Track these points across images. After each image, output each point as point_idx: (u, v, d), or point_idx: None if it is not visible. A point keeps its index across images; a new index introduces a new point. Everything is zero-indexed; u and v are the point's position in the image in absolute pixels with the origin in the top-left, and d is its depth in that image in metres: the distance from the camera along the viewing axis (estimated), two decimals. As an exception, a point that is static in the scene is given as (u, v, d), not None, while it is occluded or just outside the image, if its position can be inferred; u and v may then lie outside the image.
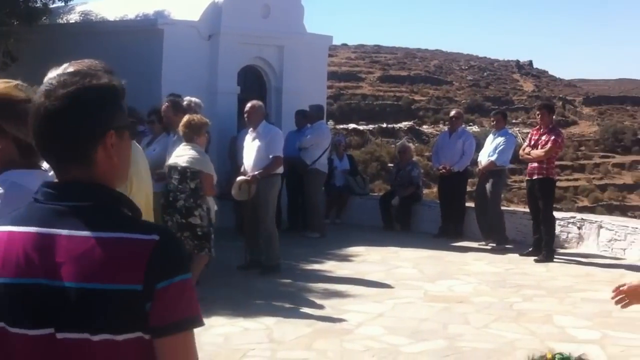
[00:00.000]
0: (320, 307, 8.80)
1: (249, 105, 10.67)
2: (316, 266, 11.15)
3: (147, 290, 1.93)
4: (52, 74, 2.54)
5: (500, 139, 12.66)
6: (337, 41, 18.45)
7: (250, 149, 10.52)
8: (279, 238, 10.55)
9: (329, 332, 7.76)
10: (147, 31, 14.02)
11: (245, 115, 10.66)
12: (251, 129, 10.63)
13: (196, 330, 2.01)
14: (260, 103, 10.86)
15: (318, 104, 14.33)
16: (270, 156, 10.34)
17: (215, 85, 14.08)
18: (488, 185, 12.64)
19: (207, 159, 8.88)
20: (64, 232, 1.97)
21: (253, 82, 15.28)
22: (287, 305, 8.83)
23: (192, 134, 8.71)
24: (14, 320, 1.97)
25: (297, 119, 14.11)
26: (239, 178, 10.33)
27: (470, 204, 13.72)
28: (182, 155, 8.71)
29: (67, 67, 3.08)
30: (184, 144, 8.76)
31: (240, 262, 10.63)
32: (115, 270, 1.93)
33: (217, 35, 14.28)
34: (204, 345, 7.04)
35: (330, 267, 11.06)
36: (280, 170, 10.72)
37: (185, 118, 8.85)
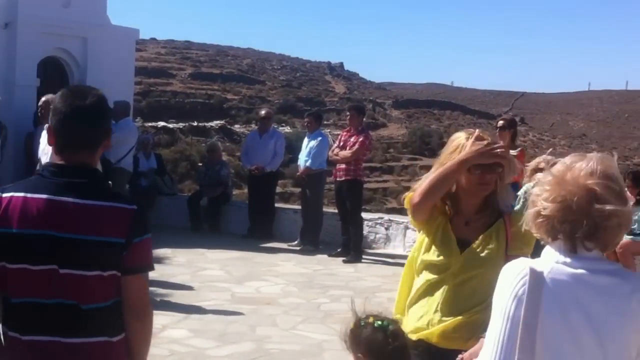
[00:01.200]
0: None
1: (43, 100, 10.04)
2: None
3: (127, 243, 2.99)
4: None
5: (313, 142, 12.82)
6: (145, 35, 18.17)
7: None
8: None
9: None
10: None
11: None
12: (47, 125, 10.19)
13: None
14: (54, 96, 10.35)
15: (124, 100, 14.04)
16: None
17: (13, 77, 13.53)
18: (308, 190, 12.80)
19: None
20: (70, 199, 2.98)
21: (54, 74, 14.77)
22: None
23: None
24: (28, 259, 2.97)
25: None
26: None
27: (280, 205, 13.82)
28: None
29: None
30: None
31: None
32: (108, 227, 2.98)
33: (14, 23, 13.73)
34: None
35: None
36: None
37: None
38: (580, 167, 2.38)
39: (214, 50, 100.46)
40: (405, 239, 12.48)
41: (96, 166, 3.16)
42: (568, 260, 2.38)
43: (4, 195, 3.02)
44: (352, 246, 11.94)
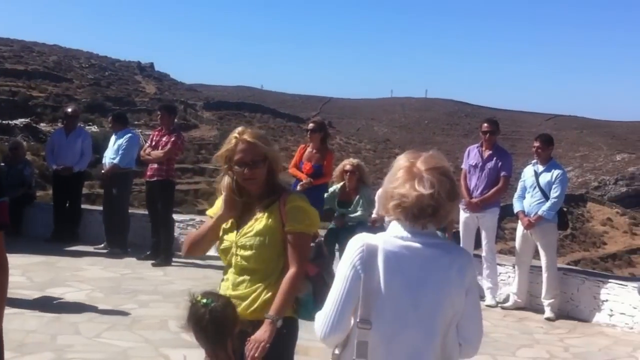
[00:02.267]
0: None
1: None
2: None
3: None
4: None
5: (121, 140, 12.45)
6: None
7: None
8: None
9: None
10: None
11: None
12: None
13: None
14: None
15: None
16: None
17: None
18: (114, 189, 12.39)
19: None
20: None
21: None
22: None
23: None
24: None
25: None
26: None
27: (86, 206, 13.33)
28: None
29: None
30: None
31: None
32: None
33: None
34: None
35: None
36: None
37: None
38: (422, 161, 3.02)
39: (18, 45, 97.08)
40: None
41: None
42: (406, 234, 3.02)
43: None
44: (163, 249, 11.67)
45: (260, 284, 3.97)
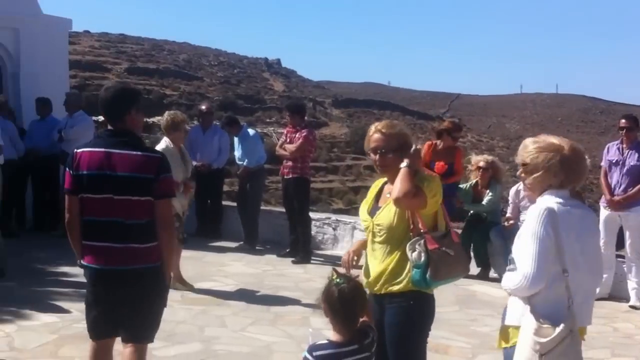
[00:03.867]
0: (67, 311, 8.52)
1: None
2: (64, 269, 10.72)
3: (155, 178, 4.85)
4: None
5: (244, 142, 12.87)
6: (78, 27, 18.00)
7: None
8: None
9: (77, 338, 7.48)
10: None
11: None
12: None
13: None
14: None
15: (75, 91, 13.87)
16: None
17: None
18: (248, 186, 12.77)
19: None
20: (116, 151, 4.88)
21: (-15, 66, 14.53)
22: (30, 312, 8.45)
23: (169, 129, 9.62)
24: (94, 191, 4.85)
25: (38, 107, 13.57)
26: None
27: (227, 203, 13.74)
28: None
29: None
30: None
31: None
32: (144, 168, 4.84)
33: (-59, 15, 13.41)
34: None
35: (80, 270, 10.66)
36: (0, 160, 10.16)
37: (166, 114, 9.80)
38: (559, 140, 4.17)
39: (149, 44, 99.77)
40: (353, 240, 12.45)
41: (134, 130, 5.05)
42: (564, 200, 4.07)
43: (77, 151, 5.00)
44: (301, 246, 11.93)
45: (392, 256, 4.63)
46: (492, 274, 11.07)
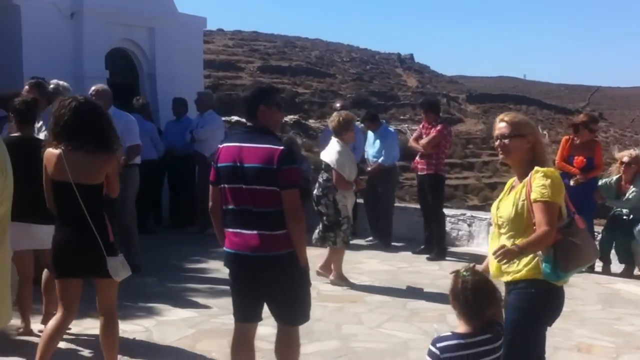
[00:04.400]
0: (205, 307, 8.71)
1: (93, 88, 10.15)
2: (201, 265, 11.01)
3: (278, 169, 5.08)
4: None
5: (382, 139, 12.85)
6: (212, 26, 18.28)
7: None
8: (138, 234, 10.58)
9: (214, 333, 7.66)
10: (1, 7, 13.35)
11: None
12: None
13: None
14: (104, 87, 10.39)
15: (207, 91, 14.18)
16: (127, 145, 9.87)
17: (82, 69, 13.67)
18: (379, 186, 12.77)
19: (341, 156, 9.72)
20: (246, 145, 5.25)
21: (123, 66, 14.96)
22: (168, 307, 8.67)
23: (340, 129, 9.77)
24: (228, 181, 5.27)
25: (174, 107, 13.91)
26: None
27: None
28: (327, 148, 9.98)
29: None
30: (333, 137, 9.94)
31: None
32: (267, 159, 5.12)
33: (80, 13, 13.90)
34: (75, 350, 6.84)
35: (217, 265, 10.86)
36: (138, 160, 10.45)
37: (335, 115, 10.11)
38: None
39: (281, 41, 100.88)
40: (489, 236, 12.26)
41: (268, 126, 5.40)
42: None
43: (220, 146, 5.45)
44: (435, 243, 11.87)
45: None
46: (637, 272, 10.79)
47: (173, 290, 9.49)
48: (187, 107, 13.99)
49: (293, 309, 5.52)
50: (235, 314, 5.66)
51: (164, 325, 7.97)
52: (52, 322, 5.82)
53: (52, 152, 5.71)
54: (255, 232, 5.21)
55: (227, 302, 8.74)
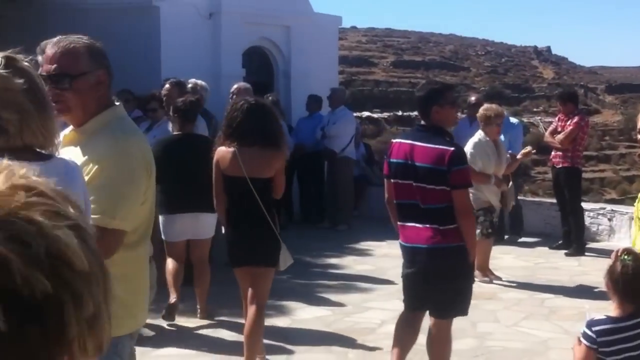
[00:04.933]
0: (339, 304, 8.63)
1: (234, 86, 10.52)
2: (332, 261, 11.00)
3: (448, 170, 5.35)
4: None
5: (511, 131, 12.65)
6: (345, 23, 18.42)
7: None
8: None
9: (349, 331, 7.57)
10: (141, 9, 13.62)
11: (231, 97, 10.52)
12: None
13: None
14: (246, 85, 10.64)
15: (340, 87, 14.19)
16: None
17: (219, 68, 13.84)
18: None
19: (472, 151, 9.21)
20: (419, 144, 5.52)
21: (259, 64, 15.10)
22: (301, 304, 8.62)
23: (487, 121, 9.68)
24: (400, 177, 5.61)
25: (309, 103, 13.96)
26: None
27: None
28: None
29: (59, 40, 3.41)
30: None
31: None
32: (438, 160, 5.38)
33: (218, 14, 14.07)
34: (202, 347, 6.92)
35: (349, 262, 10.87)
36: None
37: (482, 107, 10.02)
38: None
39: (415, 37, 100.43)
40: (631, 232, 11.81)
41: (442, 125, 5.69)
42: None
43: (393, 141, 5.84)
44: (573, 238, 11.51)
45: None
46: None
47: (305, 288, 9.45)
48: (320, 104, 14.02)
49: (454, 301, 5.69)
50: (406, 302, 5.87)
51: (299, 324, 7.93)
52: (247, 321, 6.19)
53: (225, 150, 6.16)
54: (427, 225, 5.49)
55: (360, 300, 8.80)
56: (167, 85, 9.64)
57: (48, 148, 2.75)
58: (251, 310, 6.14)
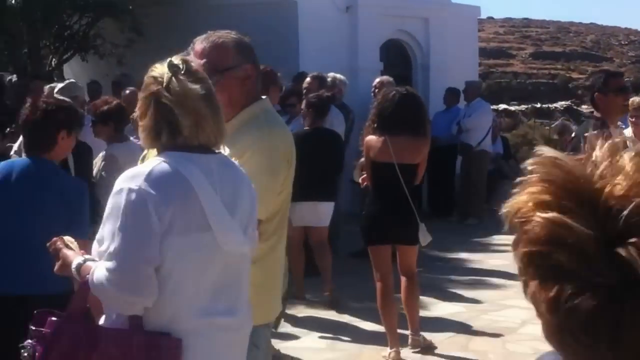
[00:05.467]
0: (475, 301, 8.37)
1: (377, 80, 10.65)
2: (463, 255, 10.78)
3: None
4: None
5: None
6: (482, 14, 18.01)
7: None
8: None
9: (488, 330, 7.32)
10: (279, 4, 13.77)
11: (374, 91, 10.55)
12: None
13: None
14: (389, 78, 10.58)
15: (475, 80, 13.97)
16: None
17: (356, 62, 13.79)
18: None
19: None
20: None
21: (396, 57, 14.96)
22: (433, 300, 8.40)
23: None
24: None
25: (447, 97, 13.75)
26: (361, 160, 9.83)
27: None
28: None
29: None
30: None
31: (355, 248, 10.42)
32: None
33: (355, 7, 14.02)
34: (337, 344, 6.84)
35: (480, 256, 10.57)
36: None
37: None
38: None
39: (554, 27, 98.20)
40: None
41: None
42: None
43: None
44: None
45: None
46: None
47: (435, 282, 9.16)
48: (459, 98, 13.83)
49: None
50: None
51: (432, 319, 7.68)
52: (379, 297, 6.60)
53: (374, 139, 6.64)
54: None
55: (495, 297, 8.48)
56: (308, 79, 9.67)
57: (218, 146, 2.89)
58: (404, 281, 6.66)
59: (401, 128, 6.52)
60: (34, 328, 2.74)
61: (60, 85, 7.32)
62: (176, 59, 2.81)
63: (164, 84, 2.71)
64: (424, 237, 6.68)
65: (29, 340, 2.74)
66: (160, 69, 2.79)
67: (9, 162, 4.64)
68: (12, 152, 6.83)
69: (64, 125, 4.53)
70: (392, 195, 6.62)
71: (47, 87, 8.32)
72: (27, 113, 4.57)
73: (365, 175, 7.01)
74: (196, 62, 2.93)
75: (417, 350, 6.69)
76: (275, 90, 7.67)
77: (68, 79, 8.20)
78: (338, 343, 7.08)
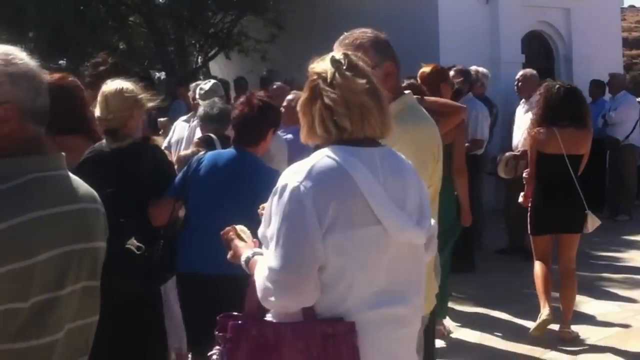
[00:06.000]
0: (629, 300, 8.11)
1: (520, 73, 10.50)
2: (614, 253, 10.43)
3: None
4: None
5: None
6: (624, 3, 17.42)
7: (522, 122, 9.83)
8: None
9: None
10: (419, -2, 13.67)
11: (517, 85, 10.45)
12: (523, 100, 10.21)
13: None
14: (532, 72, 10.42)
15: (618, 72, 13.63)
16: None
17: (498, 54, 13.65)
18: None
19: None
20: None
21: (538, 49, 14.74)
22: (585, 298, 8.09)
23: None
24: None
25: (591, 89, 13.41)
26: (507, 154, 9.67)
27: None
28: None
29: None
30: None
31: (501, 245, 10.33)
32: None
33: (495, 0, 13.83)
34: (487, 340, 6.78)
35: (633, 254, 10.24)
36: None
37: None
38: None
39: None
40: None
41: None
42: None
43: None
44: None
45: None
46: None
47: (586, 280, 8.79)
48: (604, 90, 13.51)
49: None
50: None
51: (583, 320, 7.44)
52: (536, 268, 6.98)
53: (541, 131, 6.94)
54: None
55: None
56: (451, 72, 9.57)
57: (384, 138, 2.83)
58: (564, 276, 6.93)
59: (569, 120, 6.88)
60: (219, 334, 2.77)
61: (205, 86, 7.43)
62: (338, 54, 2.80)
63: (328, 80, 2.70)
64: (593, 222, 6.94)
65: (217, 347, 2.78)
66: (322, 65, 2.78)
67: (217, 153, 4.86)
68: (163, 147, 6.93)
69: (274, 124, 4.93)
70: (561, 186, 6.95)
71: (192, 85, 8.46)
72: (242, 109, 4.80)
73: (528, 171, 7.18)
74: (358, 56, 2.87)
75: (569, 349, 6.55)
76: (447, 87, 7.38)
77: (209, 79, 8.35)
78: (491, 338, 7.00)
